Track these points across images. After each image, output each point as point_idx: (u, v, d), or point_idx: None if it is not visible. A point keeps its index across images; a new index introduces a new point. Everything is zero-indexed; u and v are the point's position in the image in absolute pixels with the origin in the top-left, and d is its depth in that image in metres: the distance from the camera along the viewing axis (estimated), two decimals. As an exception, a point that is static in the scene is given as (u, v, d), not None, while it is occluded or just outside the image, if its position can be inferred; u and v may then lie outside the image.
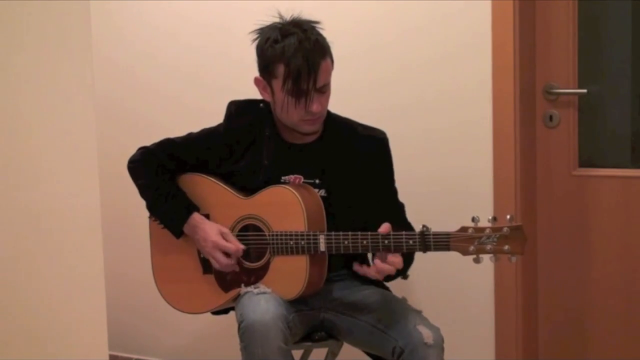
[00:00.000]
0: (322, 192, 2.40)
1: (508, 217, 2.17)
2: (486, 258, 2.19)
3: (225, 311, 2.55)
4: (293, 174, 2.41)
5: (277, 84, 2.30)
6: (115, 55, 3.39)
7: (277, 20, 2.34)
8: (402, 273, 2.36)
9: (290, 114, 2.32)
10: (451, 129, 2.81)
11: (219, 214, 2.43)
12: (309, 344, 2.46)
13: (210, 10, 3.19)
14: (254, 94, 2.44)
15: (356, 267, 2.26)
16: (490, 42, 2.70)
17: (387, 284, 2.51)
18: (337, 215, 2.36)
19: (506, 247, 2.15)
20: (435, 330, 2.24)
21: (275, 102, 2.36)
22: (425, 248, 2.19)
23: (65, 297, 1.57)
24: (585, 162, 2.77)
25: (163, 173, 2.47)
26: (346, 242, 2.26)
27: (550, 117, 2.77)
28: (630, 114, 2.81)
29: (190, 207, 2.43)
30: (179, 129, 2.55)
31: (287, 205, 2.32)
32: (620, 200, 2.71)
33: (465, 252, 2.17)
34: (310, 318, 2.42)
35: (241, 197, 2.41)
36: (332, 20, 2.45)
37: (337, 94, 2.48)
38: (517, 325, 2.77)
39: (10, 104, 1.47)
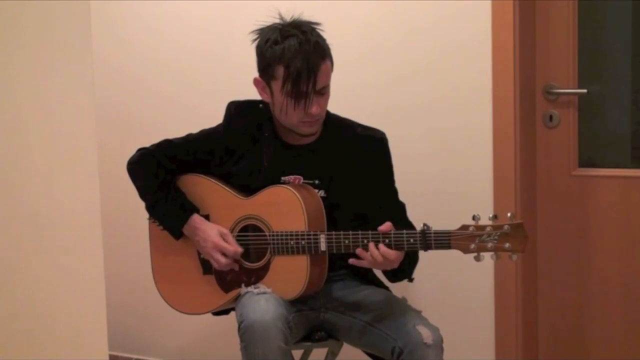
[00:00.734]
0: (322, 193, 2.40)
1: (509, 214, 2.17)
2: (487, 256, 2.19)
3: (225, 312, 2.55)
4: (292, 174, 2.41)
5: (277, 85, 2.30)
6: (114, 57, 3.39)
7: (278, 20, 2.34)
8: (408, 275, 2.36)
9: (289, 116, 2.32)
10: (451, 129, 2.81)
11: (219, 214, 2.43)
12: (309, 344, 2.46)
13: (210, 12, 3.19)
14: (254, 95, 2.44)
15: (351, 260, 2.26)
16: (490, 42, 2.70)
17: (387, 284, 2.51)
18: (336, 215, 2.36)
19: (507, 244, 2.15)
20: (435, 330, 2.24)
21: (274, 104, 2.36)
22: (426, 246, 2.19)
23: (65, 297, 1.57)
24: (585, 162, 2.77)
25: (162, 174, 2.47)
26: (347, 242, 2.26)
27: (550, 117, 2.77)
28: (630, 114, 2.81)
29: (190, 209, 2.43)
30: (178, 130, 2.55)
31: (287, 205, 2.32)
32: (620, 200, 2.71)
33: (466, 250, 2.17)
34: (310, 318, 2.42)
35: (241, 197, 2.41)
36: (332, 22, 2.45)
37: (338, 95, 2.48)
38: (517, 325, 2.77)
39: (11, 104, 1.47)
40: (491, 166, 2.75)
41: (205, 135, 2.49)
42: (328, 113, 2.45)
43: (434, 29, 2.79)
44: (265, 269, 2.36)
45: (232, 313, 2.44)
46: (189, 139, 2.50)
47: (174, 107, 3.30)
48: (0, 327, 1.48)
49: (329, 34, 2.35)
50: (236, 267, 2.39)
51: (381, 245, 2.21)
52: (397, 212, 2.43)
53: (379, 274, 2.52)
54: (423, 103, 2.84)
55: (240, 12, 3.07)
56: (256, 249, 2.38)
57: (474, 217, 2.17)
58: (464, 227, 2.17)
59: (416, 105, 2.85)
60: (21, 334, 1.50)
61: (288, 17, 2.34)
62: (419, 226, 2.22)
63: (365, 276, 2.50)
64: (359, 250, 2.23)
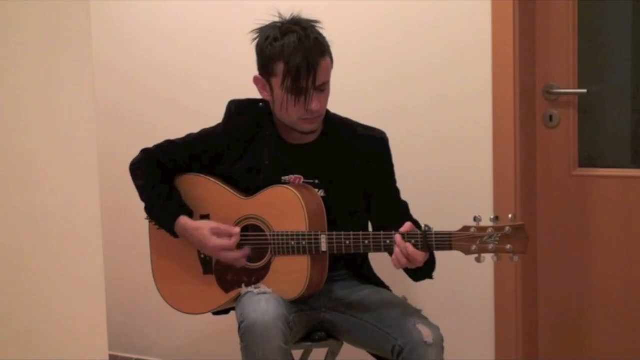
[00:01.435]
0: (322, 192, 2.40)
1: (510, 216, 2.17)
2: (487, 257, 2.19)
3: (225, 311, 2.55)
4: (293, 174, 2.41)
5: (277, 82, 2.30)
6: (114, 58, 3.39)
7: (277, 19, 2.34)
8: (429, 274, 2.34)
9: (290, 113, 2.33)
10: (451, 130, 2.81)
11: (220, 214, 2.43)
12: (309, 344, 2.46)
13: (209, 13, 3.19)
14: (254, 96, 2.44)
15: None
16: (490, 42, 2.70)
17: (387, 284, 2.51)
18: (336, 215, 2.36)
19: (508, 246, 2.15)
20: (435, 329, 2.24)
21: (274, 101, 2.36)
22: (428, 247, 2.19)
23: (65, 297, 1.57)
24: (585, 162, 2.77)
25: (161, 175, 2.47)
26: (347, 242, 2.26)
27: (550, 117, 2.77)
28: (630, 114, 2.81)
29: (178, 211, 2.42)
30: (178, 131, 2.55)
31: (288, 206, 2.32)
32: (620, 200, 2.71)
33: (467, 252, 2.17)
34: (311, 318, 2.42)
35: (242, 197, 2.41)
36: (333, 22, 2.45)
37: (339, 95, 2.48)
38: (517, 325, 2.77)
39: (11, 104, 1.47)
40: (491, 166, 2.75)
41: (206, 135, 2.49)
42: (328, 112, 2.45)
43: (434, 29, 2.79)
44: (265, 269, 2.36)
45: (232, 313, 2.44)
46: (190, 139, 2.51)
47: (174, 107, 3.30)
48: (0, 327, 1.48)
49: (330, 33, 2.36)
50: (248, 252, 2.37)
51: (409, 246, 2.19)
52: (401, 211, 2.42)
53: (379, 274, 2.53)
54: (423, 103, 2.84)
55: (240, 13, 3.07)
56: (257, 249, 2.38)
57: (475, 219, 2.17)
58: (465, 229, 2.17)
59: (416, 105, 2.85)
60: (21, 334, 1.50)
61: (287, 16, 2.34)
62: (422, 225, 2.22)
63: (366, 276, 2.50)
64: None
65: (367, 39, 2.91)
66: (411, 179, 2.66)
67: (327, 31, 2.35)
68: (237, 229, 2.37)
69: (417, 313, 2.33)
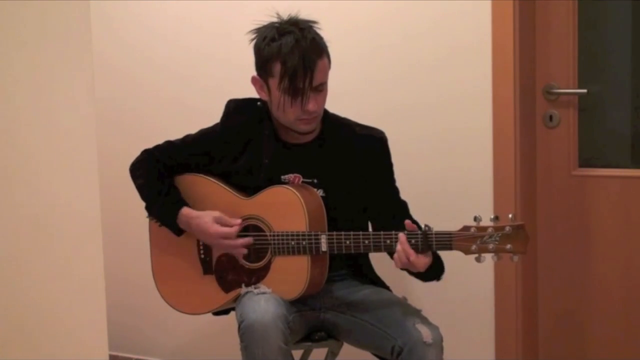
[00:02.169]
0: (321, 192, 2.40)
1: (510, 216, 2.17)
2: (488, 257, 2.19)
3: (225, 311, 2.55)
4: (292, 173, 2.41)
5: (274, 82, 2.30)
6: (113, 58, 3.39)
7: (275, 19, 2.35)
8: (436, 276, 2.33)
9: (287, 113, 2.33)
10: (451, 129, 2.81)
11: (219, 214, 2.43)
12: (309, 344, 2.46)
13: (209, 13, 3.19)
14: (254, 96, 2.44)
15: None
16: (490, 42, 2.70)
17: (387, 284, 2.51)
18: (336, 215, 2.36)
19: (508, 246, 2.15)
20: (435, 329, 2.24)
21: (271, 101, 2.36)
22: (428, 247, 2.19)
23: (65, 297, 1.57)
24: (585, 162, 2.77)
25: (162, 174, 2.47)
26: (348, 242, 2.26)
27: (550, 117, 2.77)
28: (630, 114, 2.81)
29: (180, 203, 2.43)
30: (178, 131, 2.55)
31: (288, 206, 2.32)
32: (620, 200, 2.71)
33: (467, 252, 2.17)
34: (310, 318, 2.42)
35: (242, 197, 2.41)
36: (332, 22, 2.45)
37: (338, 95, 2.48)
38: (517, 325, 2.77)
39: (11, 104, 1.47)
40: (491, 166, 2.75)
41: (204, 135, 2.49)
42: (327, 112, 2.45)
43: (434, 29, 2.79)
44: (265, 269, 2.36)
45: (232, 313, 2.44)
46: (188, 139, 2.51)
47: (174, 107, 3.30)
48: (0, 327, 1.48)
49: (329, 33, 2.36)
50: (250, 241, 2.37)
51: (412, 253, 2.18)
52: (400, 211, 2.43)
53: (379, 274, 2.53)
54: (423, 103, 2.84)
55: (240, 12, 3.07)
56: (257, 249, 2.38)
57: (475, 218, 2.17)
58: (466, 228, 2.17)
59: (416, 105, 2.85)
60: (21, 334, 1.50)
61: (285, 16, 2.34)
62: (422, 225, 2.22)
63: (366, 276, 2.50)
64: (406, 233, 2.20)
65: (366, 38, 2.91)
66: (411, 179, 2.66)
67: (327, 31, 2.36)
68: (239, 220, 2.37)
69: (416, 313, 2.33)
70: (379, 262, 2.51)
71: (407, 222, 2.21)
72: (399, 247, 2.19)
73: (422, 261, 2.18)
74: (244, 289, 2.35)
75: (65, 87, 1.55)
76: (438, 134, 2.83)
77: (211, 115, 2.51)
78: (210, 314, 2.53)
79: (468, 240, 2.16)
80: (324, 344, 2.48)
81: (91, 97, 1.59)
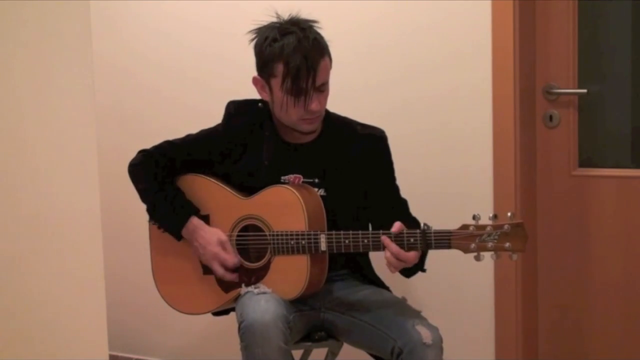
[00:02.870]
0: (322, 192, 2.40)
1: (509, 214, 2.17)
2: (487, 256, 2.19)
3: (225, 312, 2.55)
4: (292, 173, 2.41)
5: (276, 83, 2.30)
6: (114, 57, 3.39)
7: (275, 20, 2.34)
8: (421, 267, 2.34)
9: (290, 113, 2.33)
10: (451, 129, 2.81)
11: (219, 214, 2.43)
12: (309, 344, 2.46)
13: (209, 12, 3.19)
14: (254, 95, 2.44)
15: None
16: (490, 42, 2.70)
17: (388, 284, 2.51)
18: (336, 214, 2.36)
19: (507, 244, 2.15)
20: (434, 330, 2.24)
21: (274, 102, 2.36)
22: (427, 246, 2.19)
23: (65, 297, 1.57)
24: (585, 162, 2.77)
25: (162, 176, 2.46)
26: (347, 242, 2.26)
27: (550, 117, 2.77)
28: (630, 114, 2.81)
29: (188, 211, 2.42)
30: (178, 131, 2.55)
31: (287, 205, 2.32)
32: (620, 200, 2.71)
33: (466, 250, 2.17)
34: (310, 318, 2.42)
35: (241, 197, 2.41)
36: (332, 22, 2.45)
37: (338, 95, 2.48)
38: (517, 325, 2.77)
39: (11, 104, 1.47)
40: (491, 166, 2.75)
41: (205, 135, 2.49)
42: (327, 112, 2.45)
43: (434, 28, 2.80)
44: (265, 269, 2.36)
45: (232, 313, 2.44)
46: (189, 140, 2.50)
47: (174, 107, 3.30)
48: (0, 327, 1.48)
49: (329, 33, 2.36)
50: (235, 279, 2.39)
51: (394, 248, 2.19)
52: (400, 209, 2.43)
53: (379, 274, 2.53)
54: (423, 103, 2.84)
55: (240, 12, 3.07)
56: (256, 249, 2.38)
57: (474, 217, 2.17)
58: (464, 227, 2.17)
59: (416, 105, 2.85)
60: (21, 334, 1.50)
61: (285, 16, 2.34)
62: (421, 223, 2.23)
63: (366, 276, 2.50)
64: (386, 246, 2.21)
65: (366, 38, 2.91)
66: (411, 179, 2.66)
67: (327, 31, 2.36)
68: (238, 260, 2.37)
69: (416, 314, 2.33)
70: (379, 262, 2.51)
71: (396, 224, 2.21)
72: (386, 252, 2.19)
73: (412, 255, 2.19)
74: (243, 289, 2.35)
75: (65, 87, 1.55)
76: (438, 133, 2.83)
77: (211, 116, 2.51)
78: (210, 314, 2.53)
79: (467, 238, 2.16)
80: (324, 344, 2.48)
81: (91, 97, 1.59)
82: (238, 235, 2.40)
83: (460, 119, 2.79)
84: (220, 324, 2.72)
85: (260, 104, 2.45)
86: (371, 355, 2.41)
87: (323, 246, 2.28)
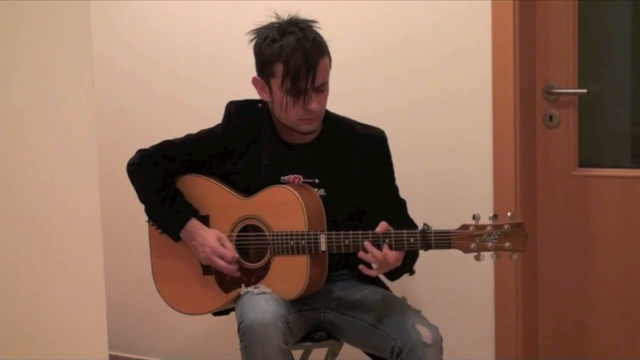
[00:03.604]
0: (322, 192, 2.40)
1: (509, 214, 2.17)
2: (487, 255, 2.19)
3: (225, 312, 2.55)
4: (292, 173, 2.41)
5: (276, 83, 2.30)
6: (113, 58, 3.39)
7: (274, 20, 2.34)
8: (408, 269, 2.35)
9: (289, 113, 2.33)
10: (451, 129, 2.81)
11: (219, 214, 2.43)
12: (309, 344, 2.46)
13: (208, 13, 3.19)
14: (253, 96, 2.44)
15: (362, 268, 2.26)
16: (490, 42, 2.70)
17: (388, 284, 2.51)
18: (336, 214, 2.36)
19: (507, 244, 2.15)
20: (434, 329, 2.24)
21: (273, 102, 2.36)
22: (427, 246, 2.19)
23: (65, 297, 1.57)
24: (585, 162, 2.77)
25: (161, 176, 2.46)
26: (347, 242, 2.26)
27: (550, 117, 2.77)
28: (630, 114, 2.81)
29: (187, 213, 2.42)
30: (178, 131, 2.55)
31: (287, 205, 2.32)
32: (620, 200, 2.71)
33: (466, 250, 2.17)
34: (310, 318, 2.42)
35: (241, 197, 2.41)
36: (332, 23, 2.46)
37: (338, 95, 2.48)
38: (517, 325, 2.77)
39: (11, 104, 1.47)
40: (491, 166, 2.75)
41: (205, 135, 2.49)
42: (327, 112, 2.45)
43: (434, 29, 2.79)
44: (265, 269, 2.36)
45: (232, 313, 2.44)
46: (188, 140, 2.50)
47: (174, 107, 3.30)
48: (0, 327, 1.48)
49: (329, 33, 2.36)
50: (236, 273, 2.39)
51: (385, 246, 2.20)
52: (398, 210, 2.43)
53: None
54: (423, 103, 2.84)
55: (240, 13, 3.07)
56: (256, 249, 2.38)
57: (474, 217, 2.17)
58: (464, 227, 2.17)
59: (416, 105, 2.85)
60: (21, 334, 1.50)
61: (285, 16, 2.34)
62: (419, 225, 2.22)
63: (366, 276, 2.50)
64: (361, 254, 2.23)
65: (366, 38, 2.91)
66: (411, 179, 2.66)
67: (326, 31, 2.36)
68: (237, 256, 2.37)
69: (416, 313, 2.33)
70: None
71: (381, 224, 2.21)
72: (369, 256, 2.20)
73: (394, 254, 2.19)
74: (243, 289, 2.35)
75: (65, 87, 1.55)
76: (438, 133, 2.83)
77: (211, 116, 2.51)
78: (210, 314, 2.52)
79: (467, 238, 2.16)
80: (324, 344, 2.48)
81: (91, 97, 1.59)
82: (238, 236, 2.40)
83: (460, 119, 2.79)
84: (220, 324, 2.72)
85: (260, 104, 2.45)
86: (371, 355, 2.41)
87: (323, 246, 2.28)
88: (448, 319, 2.60)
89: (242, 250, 2.40)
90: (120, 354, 3.50)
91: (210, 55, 3.20)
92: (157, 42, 3.32)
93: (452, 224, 2.19)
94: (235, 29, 2.56)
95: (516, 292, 2.75)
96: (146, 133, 2.91)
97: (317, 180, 2.41)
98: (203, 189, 2.46)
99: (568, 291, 2.81)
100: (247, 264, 2.39)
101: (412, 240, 2.19)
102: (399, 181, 2.48)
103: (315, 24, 2.34)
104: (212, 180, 2.45)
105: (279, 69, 2.28)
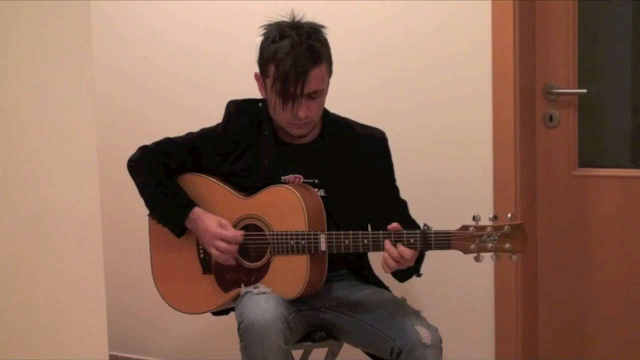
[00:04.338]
0: (322, 192, 2.40)
1: (509, 215, 2.17)
2: (487, 256, 2.19)
3: (225, 311, 2.55)
4: (292, 173, 2.41)
5: (269, 83, 2.31)
6: (113, 59, 3.39)
7: (286, 18, 2.33)
8: (417, 270, 2.35)
9: (279, 115, 2.33)
10: (451, 130, 2.81)
11: (219, 214, 2.42)
12: (309, 344, 2.46)
13: (209, 13, 3.19)
14: (253, 96, 2.45)
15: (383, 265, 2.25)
16: (490, 42, 2.70)
17: (388, 284, 2.51)
18: (336, 214, 2.36)
19: (507, 245, 2.15)
20: (433, 330, 2.24)
21: (268, 101, 2.36)
22: (427, 247, 2.19)
23: (65, 297, 1.57)
24: (585, 162, 2.78)
25: (162, 171, 2.46)
26: (347, 242, 2.26)
27: (550, 117, 2.77)
28: (630, 114, 2.81)
29: (190, 204, 2.42)
30: (177, 131, 2.55)
31: (287, 205, 2.32)
32: (620, 200, 2.72)
33: (466, 251, 2.17)
34: (310, 318, 2.42)
35: (241, 197, 2.41)
36: (332, 23, 2.45)
37: (339, 95, 2.48)
38: (517, 325, 2.77)
39: (11, 104, 1.47)
40: (491, 166, 2.75)
41: (205, 134, 2.49)
42: (327, 112, 2.45)
43: (434, 29, 2.80)
44: (265, 268, 2.36)
45: (232, 313, 2.44)
46: (189, 138, 2.51)
47: (174, 107, 3.30)
48: (0, 327, 1.48)
49: (330, 33, 2.35)
50: (232, 261, 2.37)
51: (399, 245, 2.20)
52: (400, 210, 2.43)
53: (379, 274, 2.53)
54: (423, 104, 2.84)
55: (241, 13, 3.07)
56: (256, 249, 2.38)
57: (474, 218, 2.17)
58: (464, 228, 2.17)
59: (416, 106, 2.85)
60: (21, 334, 1.50)
61: (297, 16, 2.32)
62: (421, 225, 2.23)
63: (366, 276, 2.50)
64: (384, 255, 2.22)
65: (367, 39, 2.91)
66: (411, 179, 2.66)
67: (327, 31, 2.35)
68: (241, 234, 2.36)
69: (415, 314, 2.33)
70: (379, 262, 2.51)
71: (394, 224, 2.21)
72: (384, 253, 2.19)
73: (410, 251, 2.19)
74: (243, 289, 2.35)
75: (65, 87, 1.55)
76: (438, 133, 2.83)
77: (211, 116, 2.51)
78: (209, 314, 2.53)
79: (467, 239, 2.16)
80: (324, 344, 2.48)
81: (91, 97, 1.59)
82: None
83: (460, 119, 2.79)
84: (220, 324, 2.72)
85: (260, 104, 2.45)
86: (371, 355, 2.41)
87: (323, 246, 2.28)
88: (448, 319, 2.60)
89: (242, 249, 2.40)
90: (120, 354, 3.50)
91: (210, 56, 3.21)
92: (157, 42, 3.32)
93: (452, 224, 2.19)
94: (235, 29, 2.57)
95: (516, 292, 2.76)
96: (146, 133, 2.91)
97: (316, 181, 2.41)
98: (203, 188, 2.46)
99: (568, 291, 2.81)
100: (247, 263, 2.39)
101: (412, 240, 2.19)
102: (399, 181, 2.48)
103: (322, 29, 2.32)
104: (212, 180, 2.46)
105: (272, 70, 2.28)
